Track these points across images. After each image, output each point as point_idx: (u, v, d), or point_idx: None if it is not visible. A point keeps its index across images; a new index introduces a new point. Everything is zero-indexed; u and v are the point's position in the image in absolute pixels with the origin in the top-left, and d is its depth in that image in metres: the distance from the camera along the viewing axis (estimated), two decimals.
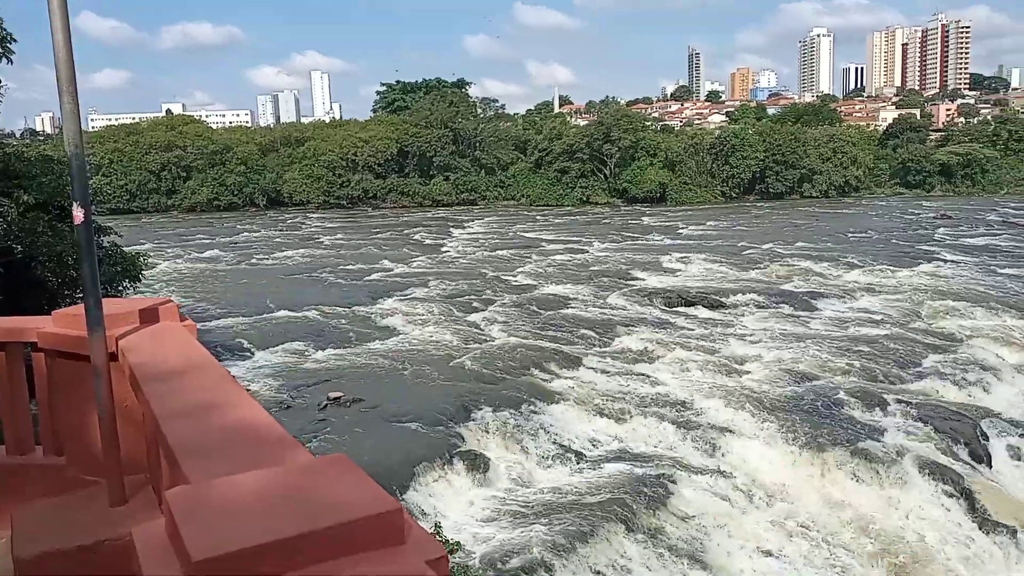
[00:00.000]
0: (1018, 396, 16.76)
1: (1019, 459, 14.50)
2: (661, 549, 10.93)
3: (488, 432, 14.43)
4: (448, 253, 41.01)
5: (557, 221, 59.94)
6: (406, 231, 53.79)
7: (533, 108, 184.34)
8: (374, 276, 32.88)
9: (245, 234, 53.25)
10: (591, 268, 33.86)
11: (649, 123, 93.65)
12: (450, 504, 11.95)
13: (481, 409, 15.28)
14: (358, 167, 77.47)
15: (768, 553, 11.60)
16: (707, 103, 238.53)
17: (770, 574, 11.15)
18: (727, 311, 24.97)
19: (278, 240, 49.40)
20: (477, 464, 13.03)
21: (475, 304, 25.90)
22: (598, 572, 10.23)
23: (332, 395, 16.35)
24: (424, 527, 8.89)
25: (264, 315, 24.47)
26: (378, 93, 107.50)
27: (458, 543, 9.01)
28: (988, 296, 26.09)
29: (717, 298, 26.29)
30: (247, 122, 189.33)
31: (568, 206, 74.96)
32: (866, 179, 79.76)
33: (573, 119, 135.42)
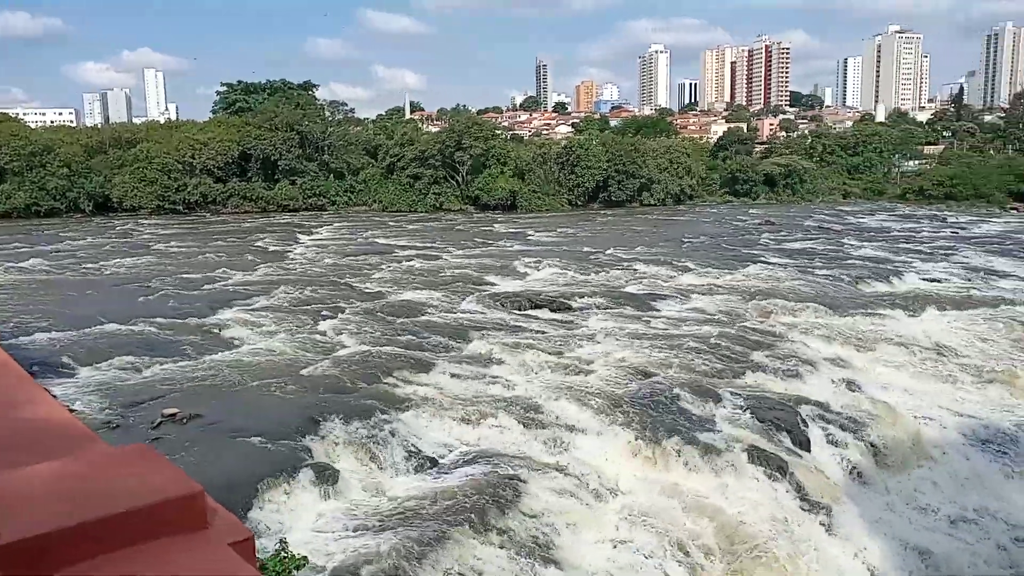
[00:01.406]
0: (831, 385, 18.40)
1: (834, 443, 15.92)
2: (513, 548, 11.09)
3: (337, 443, 14.06)
4: (295, 260, 39.68)
5: (410, 227, 59.57)
6: (249, 237, 51.55)
7: (384, 113, 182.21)
8: (214, 285, 31.24)
9: (69, 242, 49.01)
10: (444, 274, 33.90)
11: (499, 132, 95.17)
12: (297, 519, 11.54)
13: (330, 420, 14.86)
14: (196, 170, 73.34)
15: (615, 544, 12.04)
16: (554, 114, 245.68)
17: (618, 564, 11.57)
18: (574, 313, 25.79)
19: (107, 248, 45.84)
20: (326, 477, 12.67)
21: (324, 312, 25.21)
22: (450, 575, 10.24)
23: (167, 412, 15.35)
24: (267, 542, 8.47)
25: (90, 328, 22.60)
26: (218, 93, 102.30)
27: (305, 558, 8.69)
28: (806, 295, 28.53)
29: (565, 301, 27.08)
30: (71, 122, 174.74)
31: (421, 212, 74.72)
32: (699, 188, 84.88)
33: (425, 125, 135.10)
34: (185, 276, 33.62)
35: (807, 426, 15.96)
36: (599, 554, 11.70)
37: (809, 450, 15.34)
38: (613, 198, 79.29)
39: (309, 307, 26.03)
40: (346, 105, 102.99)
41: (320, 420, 14.77)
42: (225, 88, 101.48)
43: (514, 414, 15.58)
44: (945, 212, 70.81)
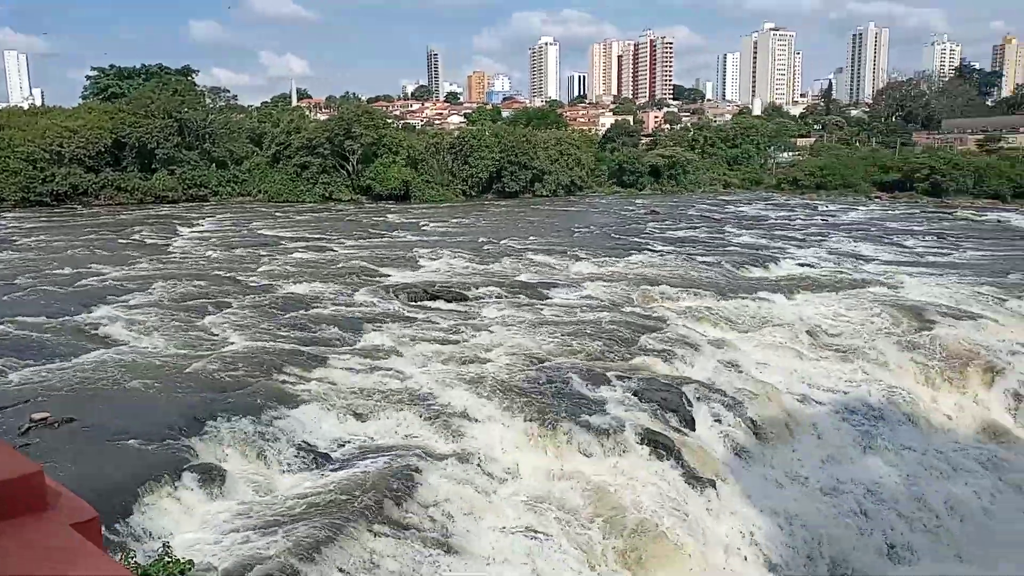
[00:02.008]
0: (714, 366, 19.27)
1: (717, 421, 16.70)
2: (410, 540, 11.06)
3: (224, 443, 13.58)
4: (176, 254, 37.87)
5: (299, 218, 57.96)
6: (125, 230, 48.77)
7: (269, 100, 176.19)
8: (87, 281, 29.42)
9: None
10: (336, 266, 33.22)
11: (391, 121, 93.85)
12: (181, 523, 11.09)
13: (216, 419, 14.33)
14: (64, 160, 68.59)
15: (513, 529, 12.21)
16: (446, 104, 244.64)
17: (515, 549, 11.75)
18: (470, 303, 25.86)
19: None
20: (212, 477, 12.22)
21: (208, 308, 24.23)
22: (344, 571, 10.10)
23: (36, 416, 14.37)
24: (150, 548, 8.09)
25: None
26: (89, 78, 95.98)
27: (191, 562, 8.38)
28: (690, 281, 29.70)
29: (461, 291, 27.11)
30: None
31: (310, 203, 72.80)
32: (589, 179, 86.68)
33: (313, 113, 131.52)
34: (55, 272, 31.49)
35: (692, 406, 16.67)
36: (497, 540, 11.84)
37: (694, 428, 16.04)
38: (506, 189, 79.82)
39: (192, 303, 24.95)
40: (228, 92, 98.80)
41: (205, 420, 14.22)
42: (96, 72, 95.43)
43: (410, 405, 15.51)
44: (816, 201, 75.21)
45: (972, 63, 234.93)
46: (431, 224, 53.13)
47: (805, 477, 15.59)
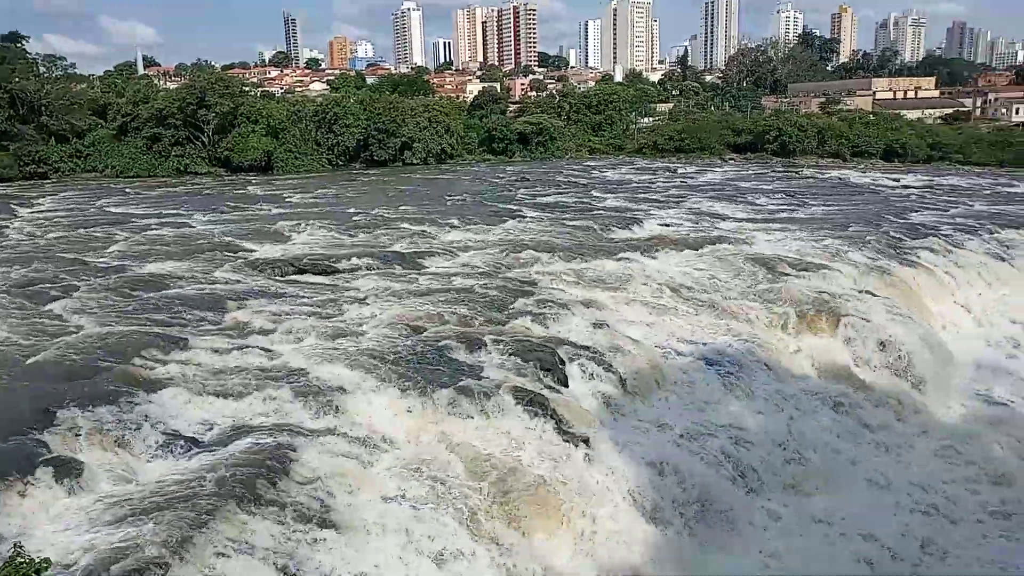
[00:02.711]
0: (585, 325, 19.84)
1: (589, 377, 17.24)
2: (286, 518, 10.82)
3: (80, 434, 12.72)
4: (12, 236, 34.77)
5: (151, 194, 54.49)
6: None
7: (112, 69, 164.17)
8: None
9: None
10: (195, 242, 31.57)
11: (248, 89, 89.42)
12: (35, 520, 10.34)
13: (69, 410, 13.39)
14: None
15: (394, 499, 12.18)
16: (307, 71, 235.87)
17: (396, 518, 11.73)
18: (341, 276, 25.31)
19: None
20: (68, 471, 11.44)
21: (53, 292, 22.46)
22: (220, 554, 9.77)
23: None
24: (1, 550, 7.51)
25: None
26: None
27: (47, 560, 7.85)
28: (559, 244, 30.33)
29: (330, 264, 26.46)
30: None
31: (164, 177, 68.53)
32: (459, 146, 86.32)
33: (162, 82, 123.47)
34: None
35: (565, 364, 17.13)
36: (377, 511, 11.78)
37: (567, 386, 16.51)
38: (375, 157, 78.24)
39: (35, 288, 23.04)
40: (65, 60, 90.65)
41: (57, 411, 13.24)
42: None
43: (281, 383, 15.06)
44: (676, 164, 78.38)
45: (814, 30, 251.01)
46: (296, 195, 51.37)
47: (672, 425, 16.41)
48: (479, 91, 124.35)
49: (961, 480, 17.15)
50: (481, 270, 25.93)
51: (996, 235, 34.19)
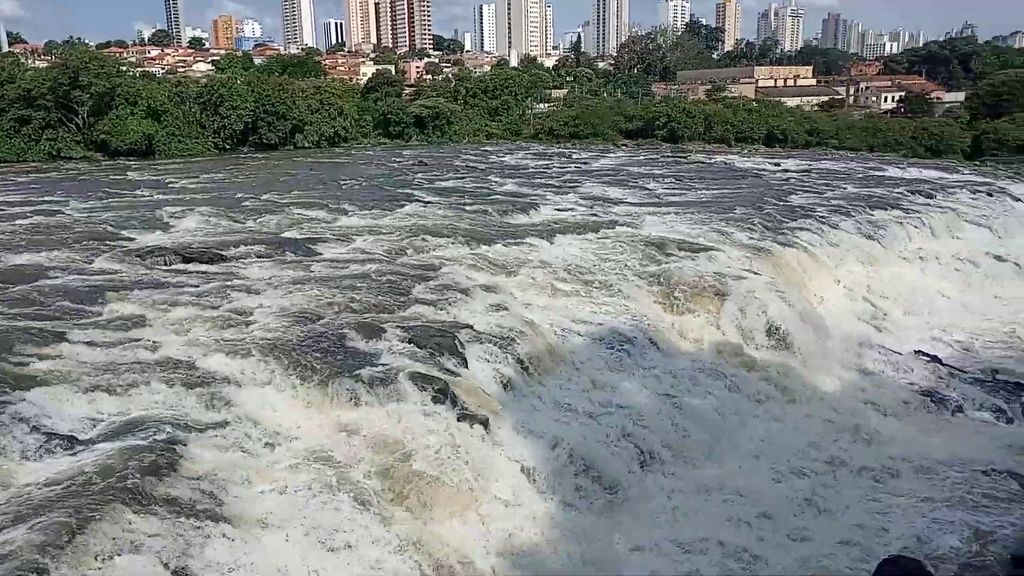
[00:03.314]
0: (484, 309, 19.95)
1: (489, 361, 17.35)
2: (176, 515, 10.41)
3: None
4: None
5: (20, 180, 50.81)
6: None
7: None
8: None
9: None
10: (71, 231, 29.68)
11: (126, 68, 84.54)
12: None
13: None
14: None
15: (290, 491, 11.91)
16: (191, 50, 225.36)
17: (291, 509, 11.48)
18: (229, 264, 24.42)
19: None
20: None
21: None
22: (105, 555, 9.31)
23: None
24: None
25: None
26: None
27: None
28: (458, 229, 30.29)
29: (218, 252, 25.47)
30: None
31: (34, 162, 64.05)
32: (353, 130, 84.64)
33: (30, 61, 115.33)
34: None
35: (465, 349, 17.18)
36: (273, 503, 11.51)
37: (467, 369, 16.57)
38: (264, 141, 75.75)
39: None
40: None
41: None
42: None
43: (168, 376, 14.42)
44: (571, 150, 79.59)
45: (700, 19, 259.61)
46: (181, 180, 49.09)
47: (569, 404, 16.77)
48: (373, 73, 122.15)
49: (839, 445, 18.34)
50: (378, 256, 25.58)
51: (867, 216, 36.52)
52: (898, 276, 30.64)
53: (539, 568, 11.89)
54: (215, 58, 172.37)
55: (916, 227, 36.15)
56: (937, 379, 22.46)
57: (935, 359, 23.96)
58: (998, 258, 35.13)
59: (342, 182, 48.19)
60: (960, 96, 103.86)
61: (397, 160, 66.08)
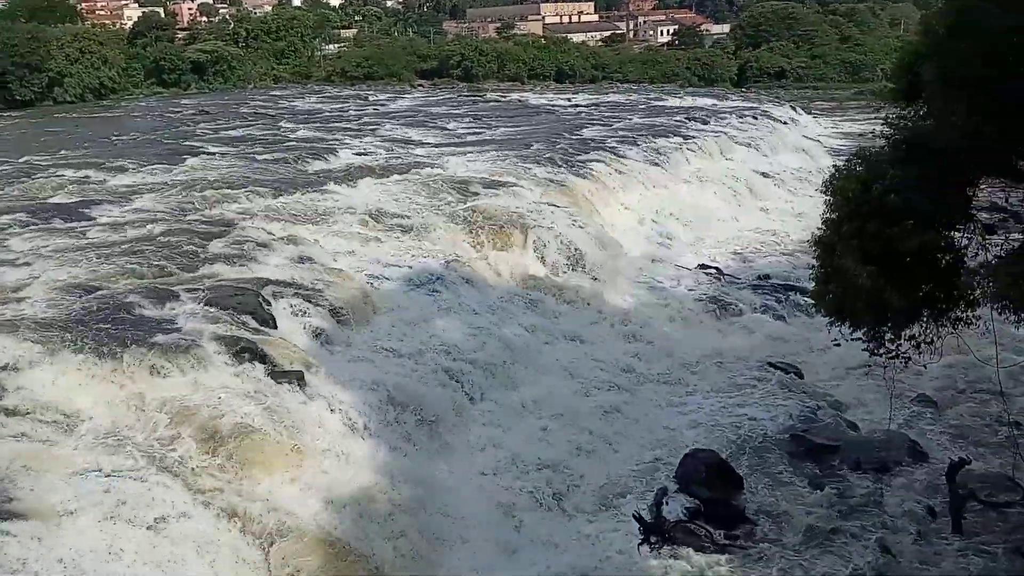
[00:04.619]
0: (288, 262, 19.25)
1: (298, 315, 16.84)
2: None
3: None
4: None
5: None
6: None
7: None
8: None
9: None
10: None
11: None
12: None
13: None
14: None
15: (91, 473, 11.04)
16: None
17: (98, 493, 10.68)
18: None
19: None
20: None
21: None
22: None
23: None
24: None
25: None
26: None
27: None
28: (252, 180, 28.75)
29: None
30: None
31: None
32: (122, 80, 76.89)
33: None
34: None
35: (271, 305, 16.55)
36: (71, 490, 10.59)
37: (276, 326, 16.01)
38: (17, 97, 67.10)
39: None
40: None
41: None
42: None
43: None
44: (366, 91, 77.40)
45: None
46: None
47: (387, 348, 16.77)
48: (139, 17, 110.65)
49: (638, 356, 19.86)
50: (163, 215, 23.71)
51: (651, 144, 38.88)
52: (681, 197, 33.11)
53: (366, 515, 11.95)
54: None
55: (694, 151, 39.05)
56: (719, 288, 24.81)
57: (716, 270, 26.40)
58: (764, 175, 39.00)
59: (115, 138, 43.89)
60: (726, 28, 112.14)
61: (176, 110, 61.02)
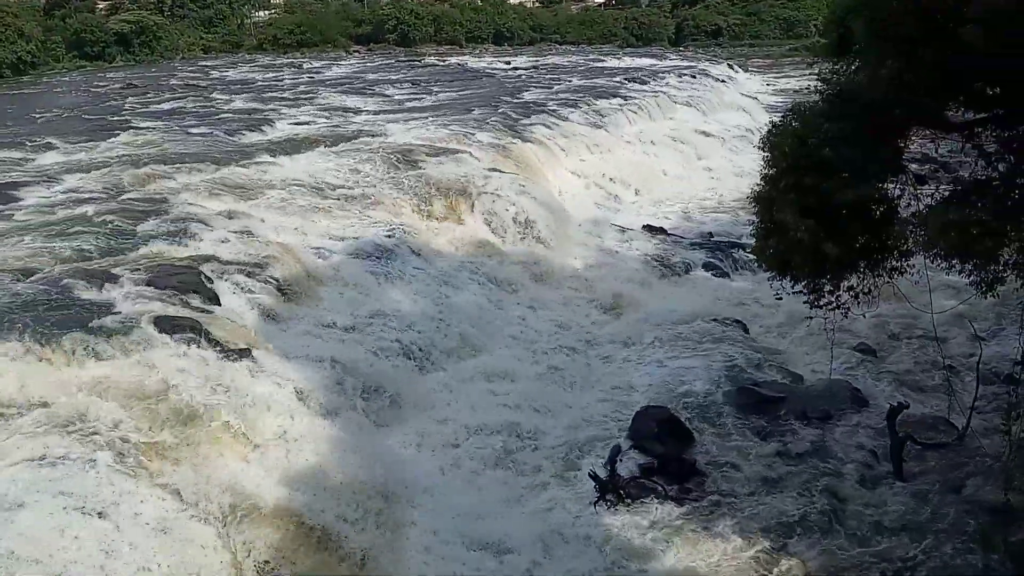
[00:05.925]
0: (228, 238, 18.75)
1: (242, 292, 16.50)
2: None
3: None
4: None
5: None
6: None
7: None
8: None
9: None
10: None
11: None
12: None
13: None
14: None
15: (34, 463, 10.70)
16: None
17: (43, 483, 10.36)
18: None
19: None
20: None
21: None
22: None
23: None
24: None
25: None
26: None
27: None
28: (186, 155, 27.84)
29: None
30: None
31: None
32: (41, 54, 73.35)
33: None
34: None
35: (213, 283, 16.16)
36: (14, 482, 10.26)
37: (220, 303, 15.66)
38: None
39: None
40: None
41: None
42: None
43: None
44: (301, 59, 75.40)
45: None
46: None
47: (336, 322, 16.58)
48: None
49: (589, 318, 20.07)
50: (94, 195, 22.79)
51: (592, 106, 38.90)
52: (624, 159, 33.30)
53: (324, 489, 11.88)
54: None
55: (635, 112, 39.23)
56: (665, 248, 25.15)
57: (661, 230, 26.73)
58: (704, 133, 39.46)
59: (36, 115, 41.89)
60: None
61: (101, 85, 58.51)
